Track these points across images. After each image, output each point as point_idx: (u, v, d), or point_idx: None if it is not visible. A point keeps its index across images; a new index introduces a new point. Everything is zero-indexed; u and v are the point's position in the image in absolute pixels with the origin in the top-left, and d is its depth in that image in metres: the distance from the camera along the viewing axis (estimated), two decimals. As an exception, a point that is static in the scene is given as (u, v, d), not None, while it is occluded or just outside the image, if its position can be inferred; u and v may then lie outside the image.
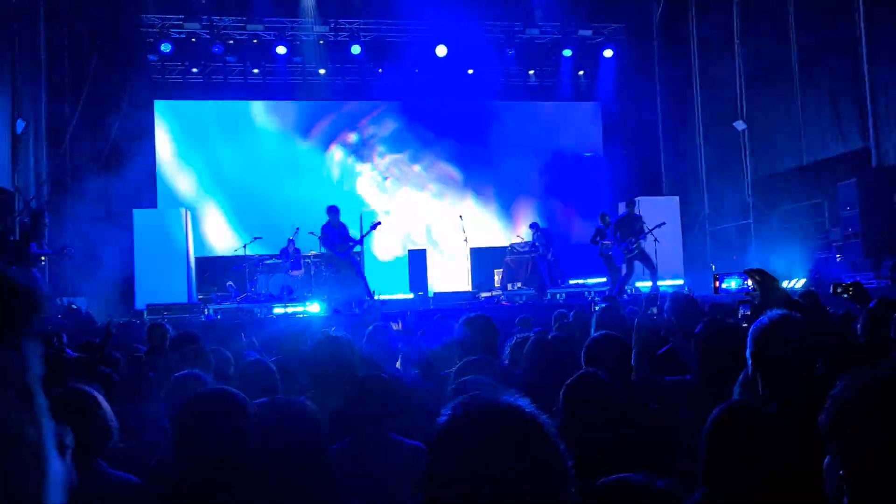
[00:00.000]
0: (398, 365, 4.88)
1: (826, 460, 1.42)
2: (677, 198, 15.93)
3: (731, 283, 3.33)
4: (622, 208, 13.87)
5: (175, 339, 5.72)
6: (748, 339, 2.64)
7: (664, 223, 13.41)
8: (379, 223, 12.94)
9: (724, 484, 2.00)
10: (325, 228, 12.58)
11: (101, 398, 2.73)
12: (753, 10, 14.79)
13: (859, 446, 1.32)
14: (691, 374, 3.93)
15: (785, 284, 12.17)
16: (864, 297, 4.53)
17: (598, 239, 13.69)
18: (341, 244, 12.49)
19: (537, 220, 15.44)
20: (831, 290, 4.89)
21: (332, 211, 12.60)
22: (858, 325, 3.87)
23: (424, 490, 1.22)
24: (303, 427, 2.32)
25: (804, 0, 13.38)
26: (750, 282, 3.26)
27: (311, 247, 14.40)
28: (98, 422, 2.67)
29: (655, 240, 13.82)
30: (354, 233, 12.95)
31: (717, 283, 3.41)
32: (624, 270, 13.27)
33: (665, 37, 17.40)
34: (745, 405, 2.17)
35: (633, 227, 13.19)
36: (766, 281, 3.20)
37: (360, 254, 12.94)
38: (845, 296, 4.73)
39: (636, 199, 14.42)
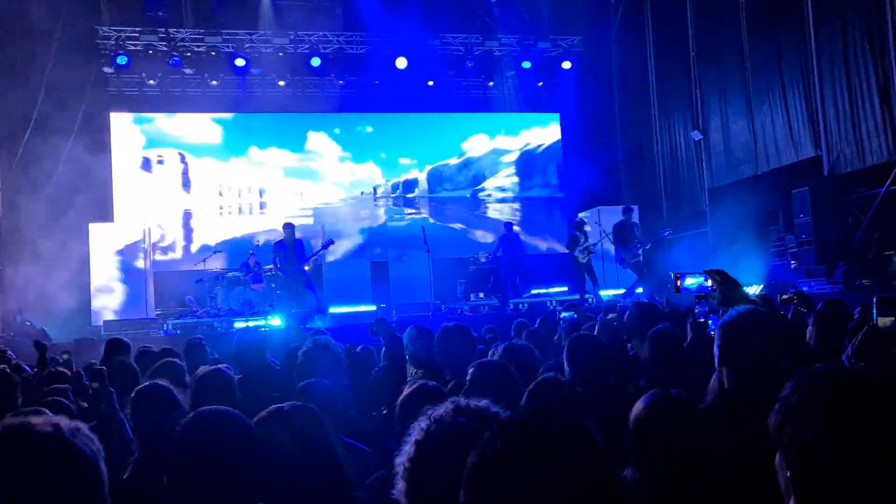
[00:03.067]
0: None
1: (777, 457, 1.45)
2: (636, 207, 16.11)
3: (692, 281, 3.36)
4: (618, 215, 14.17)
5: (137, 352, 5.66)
6: (716, 333, 2.65)
7: (669, 231, 14.09)
8: (331, 242, 13.00)
9: (651, 466, 2.05)
10: (277, 246, 12.56)
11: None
12: (708, 22, 15.09)
13: (801, 450, 1.34)
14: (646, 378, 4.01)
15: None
16: (808, 303, 4.65)
17: (572, 245, 13.85)
18: (288, 264, 12.44)
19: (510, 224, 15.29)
20: (779, 300, 5.01)
21: (286, 228, 12.56)
22: (808, 330, 3.95)
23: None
24: (231, 437, 2.23)
25: (756, 13, 13.68)
26: (710, 281, 3.30)
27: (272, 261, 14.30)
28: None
29: (615, 248, 14.00)
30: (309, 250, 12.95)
31: (679, 283, 3.44)
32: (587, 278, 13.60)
33: (622, 49, 17.67)
34: (674, 396, 2.23)
35: (632, 234, 13.44)
36: (727, 281, 3.24)
37: (316, 269, 12.95)
38: (792, 304, 4.84)
39: (632, 206, 14.60)
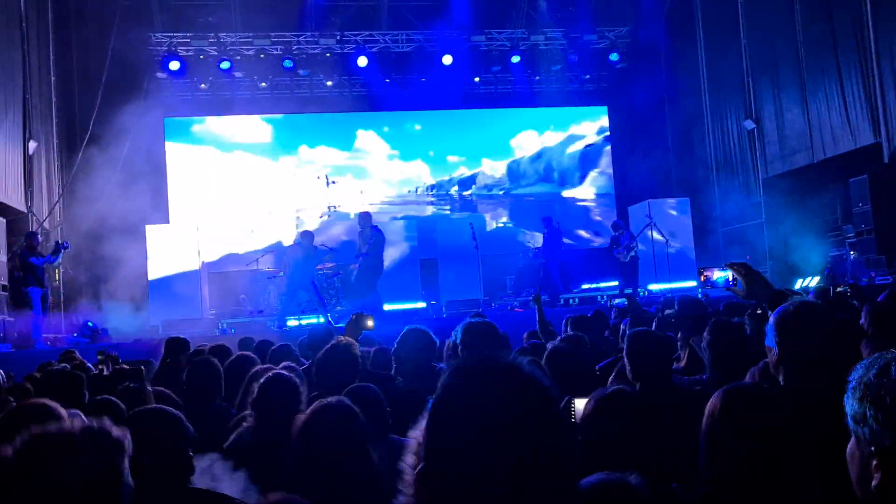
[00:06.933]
0: None
1: (850, 445, 1.42)
2: (688, 199, 15.87)
3: (719, 275, 3.26)
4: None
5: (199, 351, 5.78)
6: (770, 328, 2.53)
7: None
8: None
9: (728, 471, 1.97)
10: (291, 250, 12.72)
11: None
12: (759, 8, 14.75)
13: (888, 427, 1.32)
14: (707, 373, 3.95)
15: (800, 283, 12.10)
16: (862, 296, 4.52)
17: (613, 248, 13.78)
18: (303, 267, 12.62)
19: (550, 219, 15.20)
20: (832, 294, 4.87)
21: (306, 236, 12.78)
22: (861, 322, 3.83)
23: (426, 444, 1.22)
24: (347, 426, 2.42)
25: (810, -3, 13.34)
26: (731, 274, 3.19)
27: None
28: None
29: (667, 241, 13.81)
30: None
31: (704, 277, 3.35)
32: None
33: (671, 38, 17.37)
34: (749, 389, 2.13)
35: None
36: (750, 274, 3.12)
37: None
38: (855, 301, 4.71)
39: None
